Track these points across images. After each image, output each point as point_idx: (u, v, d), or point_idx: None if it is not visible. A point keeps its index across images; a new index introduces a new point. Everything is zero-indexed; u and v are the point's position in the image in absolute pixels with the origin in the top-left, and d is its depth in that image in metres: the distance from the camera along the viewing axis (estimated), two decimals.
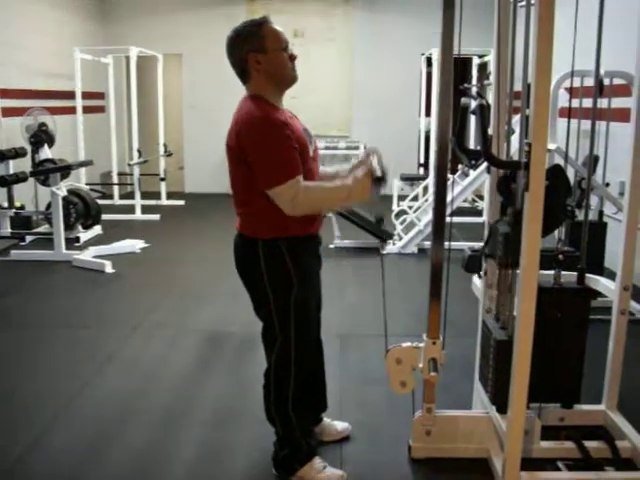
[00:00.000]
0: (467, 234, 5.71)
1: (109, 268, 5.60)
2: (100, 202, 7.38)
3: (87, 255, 5.89)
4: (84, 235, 6.72)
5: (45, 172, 6.37)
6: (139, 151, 8.40)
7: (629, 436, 2.62)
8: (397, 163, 9.39)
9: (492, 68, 2.63)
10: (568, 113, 3.95)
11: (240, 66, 2.28)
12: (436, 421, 2.63)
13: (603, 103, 4.37)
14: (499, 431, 2.51)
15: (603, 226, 4.42)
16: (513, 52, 2.51)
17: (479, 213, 7.50)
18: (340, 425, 2.84)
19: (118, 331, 4.16)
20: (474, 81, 8.47)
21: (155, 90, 9.01)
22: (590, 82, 3.26)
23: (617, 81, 4.50)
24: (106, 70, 8.89)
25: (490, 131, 2.62)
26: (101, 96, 9.48)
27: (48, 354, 3.81)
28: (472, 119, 7.85)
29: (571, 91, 3.88)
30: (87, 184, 7.79)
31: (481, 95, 2.61)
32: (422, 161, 9.30)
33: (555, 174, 2.36)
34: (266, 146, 2.17)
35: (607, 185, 4.71)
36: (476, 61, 8.69)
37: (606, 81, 4.41)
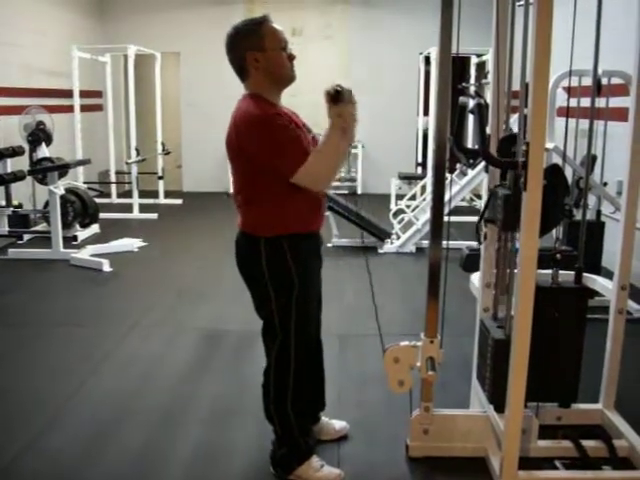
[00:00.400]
0: (465, 233, 5.71)
1: (107, 267, 5.59)
2: (98, 201, 7.38)
3: (85, 254, 5.88)
4: (82, 234, 6.71)
5: (43, 171, 6.36)
6: (137, 150, 8.39)
7: (626, 435, 2.63)
8: (395, 162, 9.45)
9: (490, 67, 2.63)
10: (566, 112, 3.96)
11: (239, 64, 2.29)
12: (434, 420, 2.63)
13: (601, 102, 4.37)
14: (497, 430, 2.51)
15: (601, 225, 4.43)
16: (511, 51, 2.51)
17: (477, 212, 7.49)
18: (338, 424, 2.84)
19: (116, 329, 4.16)
20: (472, 80, 8.47)
21: (153, 89, 9.00)
22: (588, 81, 3.26)
23: (615, 80, 4.50)
24: (104, 68, 8.87)
25: (488, 130, 2.63)
26: (99, 94, 9.46)
27: (45, 352, 3.81)
28: (470, 118, 7.87)
29: (569, 90, 3.88)
30: (85, 183, 7.77)
31: (479, 94, 2.61)
32: (420, 160, 9.30)
33: (553, 173, 2.36)
34: (271, 140, 2.18)
35: (605, 184, 4.71)
36: (474, 60, 8.69)
37: (604, 80, 4.42)
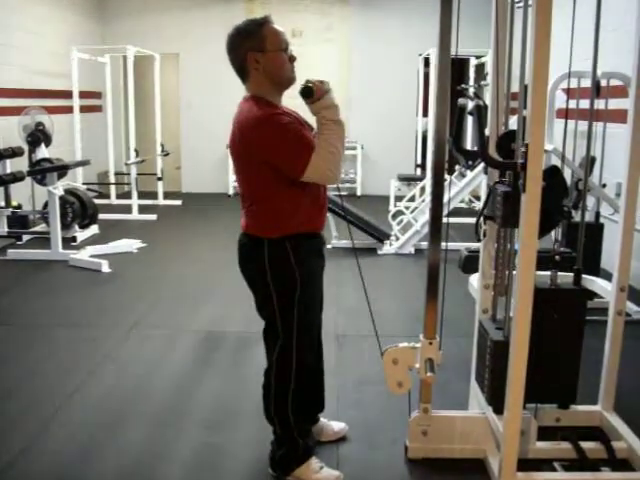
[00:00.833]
0: (464, 235, 5.72)
1: (106, 268, 5.59)
2: (97, 202, 7.37)
3: (84, 255, 5.87)
4: (81, 234, 6.72)
5: (42, 171, 6.36)
6: (136, 151, 8.39)
7: (625, 437, 2.63)
8: (394, 163, 9.46)
9: (489, 69, 2.63)
10: (565, 114, 3.96)
11: (239, 64, 2.29)
12: (432, 421, 2.64)
13: (600, 104, 4.38)
14: (495, 431, 2.51)
15: (600, 227, 4.43)
16: (510, 53, 2.52)
17: (476, 214, 7.49)
18: (337, 425, 2.84)
19: (115, 331, 4.15)
20: (471, 82, 8.48)
21: (152, 90, 9.01)
22: (587, 83, 3.27)
23: (614, 82, 4.51)
24: (103, 69, 8.86)
25: (487, 132, 2.63)
26: (98, 95, 9.47)
27: (44, 354, 3.81)
28: (469, 120, 7.88)
29: (568, 92, 3.88)
30: (84, 183, 7.78)
31: (478, 96, 2.62)
32: (419, 162, 9.32)
33: (552, 175, 2.37)
34: (277, 141, 2.19)
35: (604, 186, 4.72)
36: (473, 62, 8.70)
37: (603, 82, 4.42)
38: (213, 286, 5.20)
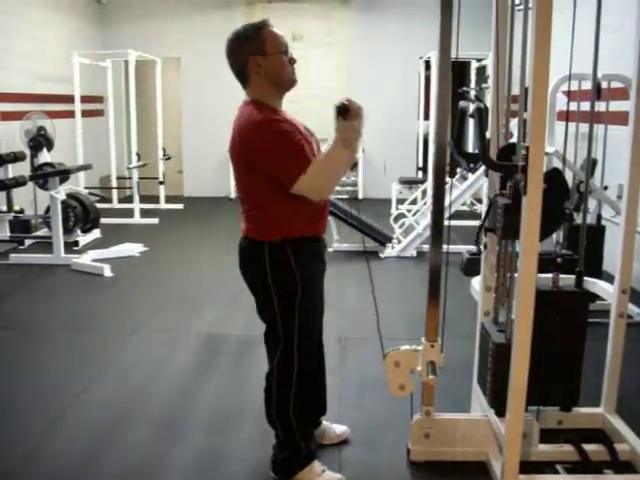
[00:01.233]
0: (465, 237, 5.72)
1: (108, 272, 5.60)
2: (99, 206, 7.37)
3: (86, 259, 5.89)
4: (83, 239, 6.72)
5: (44, 176, 6.37)
6: (138, 155, 8.41)
7: (627, 439, 2.62)
8: (396, 166, 9.46)
9: (490, 71, 2.63)
10: (566, 116, 3.96)
11: (240, 69, 2.29)
12: (435, 424, 2.64)
13: (601, 106, 4.38)
14: (498, 434, 2.51)
15: (601, 229, 4.43)
16: (511, 55, 2.52)
17: (478, 216, 7.50)
18: (339, 428, 2.84)
19: (117, 334, 4.16)
20: (472, 85, 8.49)
21: (154, 94, 9.02)
22: (588, 85, 3.27)
23: (615, 84, 4.51)
24: (105, 74, 8.89)
25: (488, 134, 2.63)
26: (100, 100, 9.49)
27: (47, 357, 3.81)
28: (470, 122, 7.89)
29: (569, 94, 3.88)
30: (86, 188, 7.79)
31: (479, 99, 2.62)
32: (421, 165, 9.31)
33: (553, 177, 2.37)
34: (274, 148, 2.19)
35: (605, 188, 4.71)
36: (474, 64, 8.71)
37: (604, 84, 4.42)
38: (215, 289, 5.20)
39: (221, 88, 7.78)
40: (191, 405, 3.20)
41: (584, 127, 3.33)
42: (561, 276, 2.63)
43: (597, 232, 4.33)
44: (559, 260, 2.59)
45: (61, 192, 6.11)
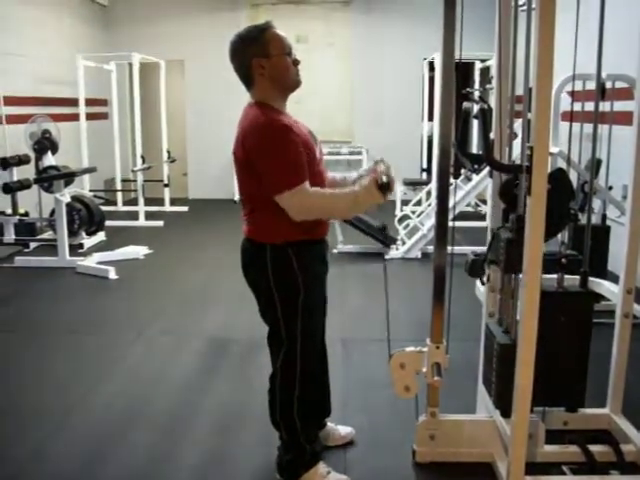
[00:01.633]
0: (470, 238, 5.71)
1: (113, 274, 5.61)
2: (104, 208, 7.40)
3: (91, 261, 5.90)
4: (88, 241, 6.75)
5: (49, 179, 6.39)
6: (142, 157, 8.42)
7: (633, 440, 2.62)
8: (400, 168, 9.46)
9: (494, 72, 2.63)
10: (570, 117, 3.95)
11: (244, 71, 2.29)
12: (440, 425, 2.63)
13: (605, 106, 4.37)
14: (503, 435, 2.51)
15: (606, 229, 4.42)
16: (515, 56, 2.52)
17: (482, 217, 7.49)
18: (344, 430, 2.84)
19: (122, 337, 4.17)
20: (476, 85, 8.48)
21: (158, 96, 9.04)
22: (592, 85, 3.27)
23: (619, 84, 4.50)
24: (109, 77, 8.90)
25: (492, 135, 2.63)
26: (104, 103, 9.51)
27: (52, 360, 3.82)
28: (475, 123, 7.88)
29: (573, 95, 3.87)
30: (91, 190, 7.82)
31: (483, 99, 2.62)
32: (425, 166, 9.31)
33: (558, 178, 2.36)
34: (272, 152, 2.18)
35: (610, 188, 4.71)
36: (478, 65, 8.70)
37: (608, 84, 4.42)
38: (219, 291, 5.20)
39: (225, 90, 7.83)
40: (196, 407, 3.20)
41: (588, 127, 3.32)
42: (566, 276, 2.62)
43: (602, 232, 4.32)
44: (564, 260, 2.58)
45: (66, 195, 6.13)
